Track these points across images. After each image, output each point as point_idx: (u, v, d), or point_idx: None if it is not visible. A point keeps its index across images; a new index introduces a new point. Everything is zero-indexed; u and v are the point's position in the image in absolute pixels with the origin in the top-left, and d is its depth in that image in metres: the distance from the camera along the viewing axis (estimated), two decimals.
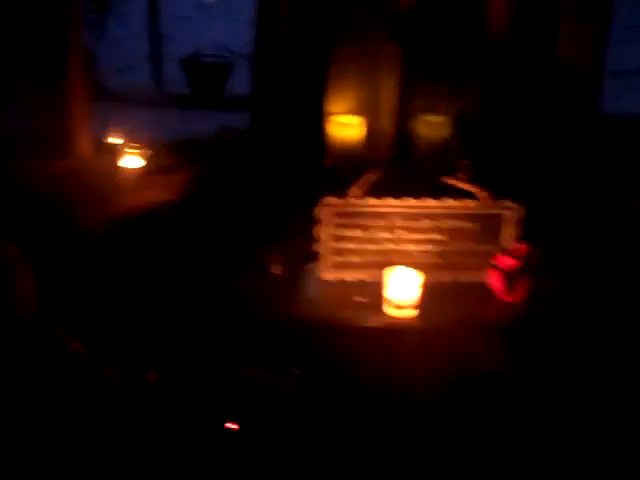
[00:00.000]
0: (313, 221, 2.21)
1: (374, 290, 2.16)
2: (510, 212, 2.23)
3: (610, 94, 2.80)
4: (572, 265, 2.25)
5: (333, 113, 2.68)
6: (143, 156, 2.77)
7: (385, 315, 2.11)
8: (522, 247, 2.15)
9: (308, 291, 2.24)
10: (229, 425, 1.72)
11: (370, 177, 2.35)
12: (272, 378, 1.85)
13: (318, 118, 2.68)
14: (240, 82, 4.66)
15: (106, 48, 5.35)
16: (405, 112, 2.64)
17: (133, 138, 2.84)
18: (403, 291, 2.10)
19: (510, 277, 2.11)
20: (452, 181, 2.33)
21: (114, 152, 2.80)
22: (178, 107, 4.96)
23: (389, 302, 2.11)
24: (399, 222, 2.25)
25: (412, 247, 2.26)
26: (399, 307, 2.09)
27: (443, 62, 2.61)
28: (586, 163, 2.54)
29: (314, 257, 2.25)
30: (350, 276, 2.27)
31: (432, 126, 2.64)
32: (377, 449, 1.75)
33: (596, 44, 2.66)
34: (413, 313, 2.10)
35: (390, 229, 2.25)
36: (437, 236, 2.26)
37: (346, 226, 2.24)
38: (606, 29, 2.67)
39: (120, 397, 1.73)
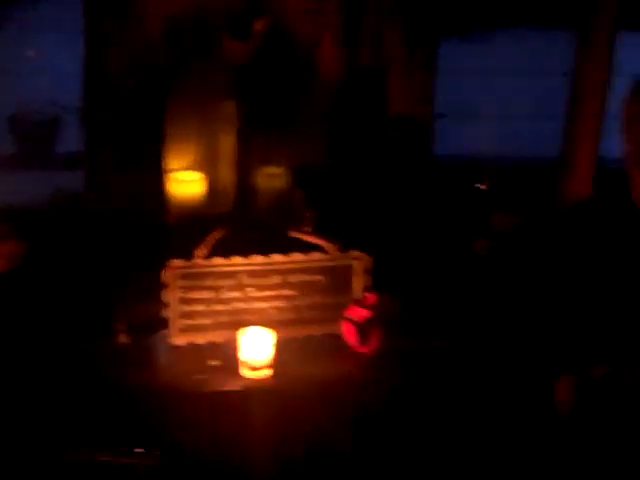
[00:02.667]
0: (159, 285, 2.13)
1: (228, 352, 2.11)
2: (358, 262, 2.25)
3: (441, 136, 2.88)
4: (421, 315, 2.28)
5: (172, 170, 2.61)
6: None
7: (241, 377, 2.06)
8: (372, 297, 2.16)
9: (159, 358, 2.16)
10: None
11: (215, 235, 2.30)
12: (128, 462, 1.76)
13: (157, 175, 2.60)
14: (71, 138, 4.47)
15: None
16: (245, 165, 2.61)
17: None
18: (257, 351, 2.05)
19: (362, 328, 2.11)
20: (298, 234, 2.32)
21: None
22: (3, 169, 4.70)
23: (244, 363, 2.06)
24: (248, 280, 2.21)
25: (263, 305, 2.22)
26: (254, 368, 2.05)
27: (279, 114, 2.61)
28: (426, 207, 2.60)
29: (163, 322, 2.17)
30: (202, 339, 2.20)
31: (273, 178, 2.62)
32: None
33: (425, 90, 2.74)
34: (268, 373, 2.06)
35: (239, 288, 2.21)
36: (287, 291, 2.23)
37: (194, 288, 2.18)
38: (433, 76, 2.76)
39: None
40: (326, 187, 2.52)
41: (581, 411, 1.68)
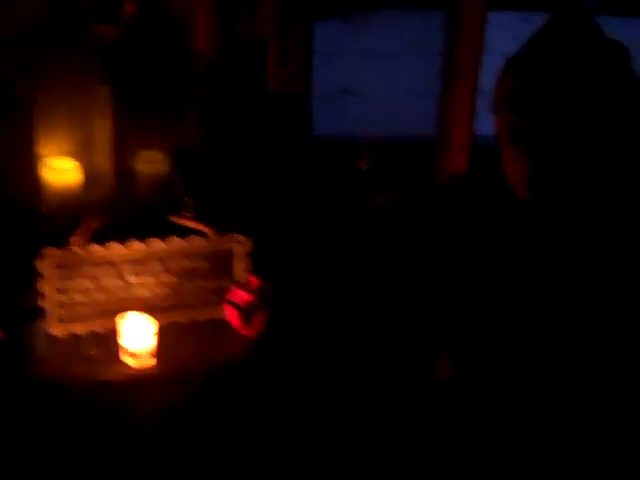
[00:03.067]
0: (35, 275, 2.07)
1: (110, 342, 2.07)
2: (239, 246, 2.24)
3: (318, 117, 2.90)
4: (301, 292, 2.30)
5: (44, 156, 2.53)
6: None
7: (123, 366, 2.03)
8: (254, 280, 2.16)
9: (37, 351, 2.10)
10: None
11: (92, 223, 2.24)
12: None
13: (30, 163, 2.52)
14: None
15: None
16: (122, 151, 2.56)
17: None
18: (139, 339, 2.02)
19: (246, 311, 2.11)
20: (178, 220, 2.29)
21: None
22: None
23: (125, 352, 2.03)
24: (127, 267, 2.17)
25: (144, 292, 2.19)
26: (136, 356, 2.02)
27: (154, 96, 2.56)
28: (306, 188, 2.61)
29: (40, 313, 2.11)
30: (82, 329, 2.15)
31: (151, 163, 2.58)
32: None
33: (302, 69, 2.74)
34: (151, 361, 2.03)
35: (119, 276, 2.17)
36: (168, 278, 2.20)
37: (71, 277, 2.12)
38: (310, 54, 2.77)
39: None
40: (205, 170, 2.49)
41: (459, 386, 1.72)
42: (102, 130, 2.52)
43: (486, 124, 1.78)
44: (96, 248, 2.14)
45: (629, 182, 1.58)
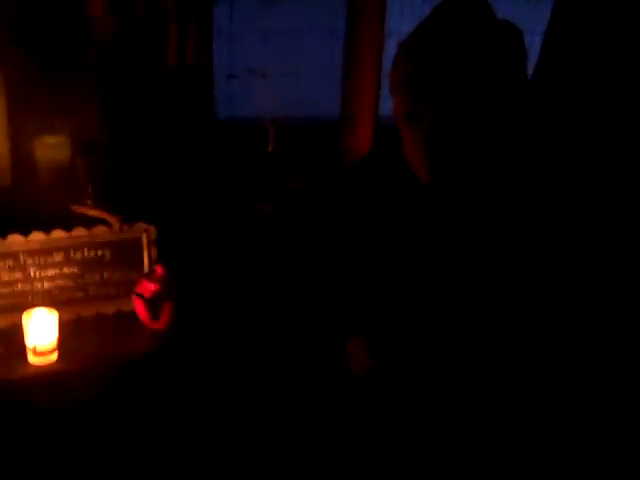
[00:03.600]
0: None
1: (12, 337, 2.01)
2: (144, 235, 2.20)
3: (224, 98, 2.86)
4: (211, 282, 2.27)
5: None
6: None
7: (27, 364, 1.97)
8: (160, 269, 2.13)
9: None
10: None
11: None
12: None
13: None
14: None
15: None
16: (19, 136, 2.46)
17: None
18: (43, 335, 1.97)
19: (152, 303, 2.08)
20: (81, 209, 2.23)
21: None
22: None
23: (29, 349, 1.97)
24: (28, 260, 2.11)
25: (47, 285, 2.13)
26: (40, 353, 1.96)
27: (52, 79, 2.47)
28: (211, 172, 2.58)
29: None
30: None
31: (51, 149, 2.49)
32: None
33: (204, 50, 2.68)
34: (54, 357, 1.98)
35: (20, 268, 2.10)
36: (72, 269, 2.15)
37: None
38: (211, 34, 2.71)
39: None
40: (107, 156, 2.42)
41: (376, 372, 1.72)
42: None
43: (391, 105, 1.77)
44: None
45: (521, 165, 1.62)
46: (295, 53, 3.78)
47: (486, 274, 1.61)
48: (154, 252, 2.21)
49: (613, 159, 2.20)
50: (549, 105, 2.51)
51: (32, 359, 1.97)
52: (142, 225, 2.21)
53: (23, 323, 1.98)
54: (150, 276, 2.12)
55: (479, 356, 1.62)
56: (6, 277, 2.10)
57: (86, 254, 2.17)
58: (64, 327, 2.01)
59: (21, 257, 2.11)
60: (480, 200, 1.62)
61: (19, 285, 2.12)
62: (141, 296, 2.08)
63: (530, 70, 1.71)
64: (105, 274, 2.19)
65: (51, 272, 2.14)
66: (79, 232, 2.15)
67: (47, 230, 2.13)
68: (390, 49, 2.66)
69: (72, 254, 2.15)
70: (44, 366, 1.96)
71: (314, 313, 1.98)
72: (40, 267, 2.13)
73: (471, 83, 1.49)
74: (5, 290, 2.10)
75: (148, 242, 2.20)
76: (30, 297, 2.12)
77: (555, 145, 1.87)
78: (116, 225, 2.18)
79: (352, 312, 1.87)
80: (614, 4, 2.31)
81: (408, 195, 1.74)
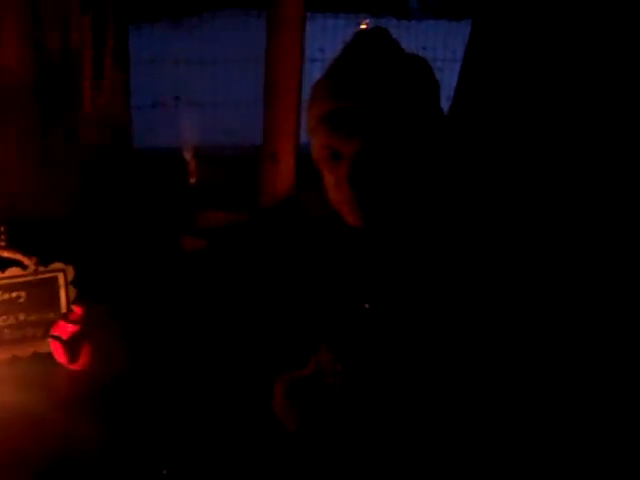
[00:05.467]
0: None
1: None
2: (61, 275, 2.16)
3: (143, 128, 2.81)
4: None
5: None
6: None
7: None
8: (78, 310, 2.08)
9: None
10: None
11: None
12: None
13: None
14: None
15: None
16: None
17: None
18: None
19: (70, 344, 2.03)
20: None
21: None
22: None
23: None
24: None
25: None
26: None
27: None
28: (131, 206, 2.53)
29: None
30: None
31: None
32: None
33: (120, 81, 2.62)
34: None
35: None
36: None
37: None
38: (128, 64, 2.65)
39: None
40: (20, 195, 2.36)
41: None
42: None
43: None
44: None
45: (446, 193, 1.61)
46: (222, 79, 3.75)
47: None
48: (72, 292, 2.16)
49: (532, 190, 2.24)
50: (467, 133, 2.55)
51: None
52: (59, 265, 2.16)
53: None
54: (68, 317, 2.08)
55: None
56: None
57: (1, 296, 2.11)
58: None
59: None
60: (410, 233, 1.58)
61: None
62: (58, 338, 2.03)
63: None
64: (21, 316, 2.14)
65: None
66: None
67: None
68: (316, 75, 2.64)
69: None
70: None
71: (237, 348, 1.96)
72: None
73: (391, 116, 1.48)
74: None
75: (65, 282, 2.16)
76: None
77: (476, 172, 1.89)
78: (32, 266, 2.14)
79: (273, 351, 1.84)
80: (528, 34, 2.36)
81: (333, 236, 1.70)
